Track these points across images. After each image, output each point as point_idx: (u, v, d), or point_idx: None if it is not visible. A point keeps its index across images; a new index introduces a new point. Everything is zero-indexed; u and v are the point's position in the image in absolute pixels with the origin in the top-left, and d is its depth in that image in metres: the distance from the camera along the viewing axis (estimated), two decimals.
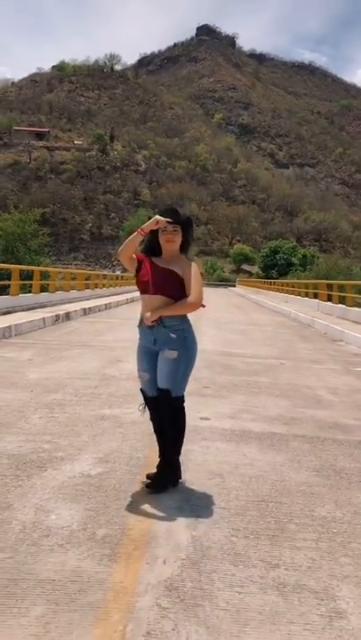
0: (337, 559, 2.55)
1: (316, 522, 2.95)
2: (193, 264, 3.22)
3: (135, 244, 3.22)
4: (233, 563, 2.46)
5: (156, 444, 3.40)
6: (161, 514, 2.94)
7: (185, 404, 3.31)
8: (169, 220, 3.14)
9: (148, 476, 3.32)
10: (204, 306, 3.23)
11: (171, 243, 3.17)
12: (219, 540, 2.68)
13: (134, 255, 3.27)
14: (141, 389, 3.39)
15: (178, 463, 3.33)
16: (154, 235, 3.21)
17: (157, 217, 3.13)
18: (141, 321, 3.26)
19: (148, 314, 3.15)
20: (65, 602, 2.11)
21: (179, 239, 3.20)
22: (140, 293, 3.25)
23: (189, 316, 3.28)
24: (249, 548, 2.61)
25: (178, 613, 2.08)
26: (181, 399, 3.26)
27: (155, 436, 3.42)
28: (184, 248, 3.26)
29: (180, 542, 2.63)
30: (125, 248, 3.23)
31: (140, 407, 3.44)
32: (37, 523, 2.77)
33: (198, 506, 3.06)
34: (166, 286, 3.14)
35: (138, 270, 3.25)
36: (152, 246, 3.25)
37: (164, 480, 3.27)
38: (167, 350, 3.15)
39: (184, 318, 3.23)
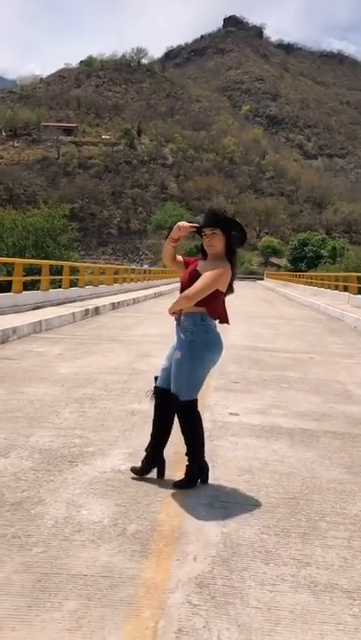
0: None
1: (348, 520, 2.92)
2: (218, 266, 3.08)
3: (169, 251, 3.29)
4: (264, 561, 2.45)
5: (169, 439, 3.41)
6: (191, 510, 2.94)
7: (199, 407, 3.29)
8: (195, 225, 3.11)
9: (132, 470, 3.37)
10: (228, 322, 3.28)
11: (210, 247, 3.13)
12: (249, 537, 2.67)
13: (179, 258, 3.34)
14: (155, 377, 3.41)
15: (203, 464, 3.30)
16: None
17: (180, 223, 3.13)
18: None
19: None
20: (97, 597, 2.13)
21: (218, 242, 3.11)
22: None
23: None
24: (280, 545, 2.60)
25: (209, 611, 2.08)
26: (190, 403, 3.19)
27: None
28: (229, 254, 3.16)
29: (211, 539, 2.64)
30: (164, 255, 3.36)
31: (148, 393, 3.45)
32: (69, 518, 2.80)
33: (228, 502, 3.06)
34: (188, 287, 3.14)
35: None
36: (202, 249, 3.22)
37: (192, 478, 3.26)
38: (176, 350, 3.18)
39: (198, 322, 3.13)
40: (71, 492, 3.11)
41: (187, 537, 2.65)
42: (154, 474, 3.39)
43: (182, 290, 3.16)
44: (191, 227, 3.12)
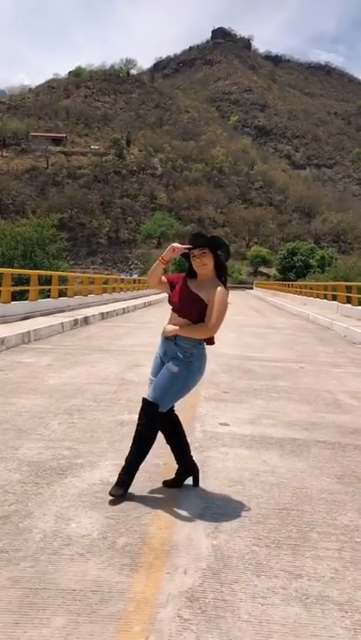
0: None
1: (339, 530, 2.90)
2: (220, 290, 3.14)
3: (158, 272, 3.31)
4: (255, 573, 2.43)
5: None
6: (181, 522, 2.92)
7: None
8: (188, 246, 3.14)
9: (164, 483, 3.40)
10: (213, 342, 3.31)
11: (201, 266, 3.16)
12: (240, 549, 2.65)
13: (163, 278, 3.36)
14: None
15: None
16: (190, 264, 3.23)
17: (174, 244, 3.18)
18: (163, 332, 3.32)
19: (170, 327, 3.20)
20: (86, 612, 2.10)
21: (209, 262, 3.16)
22: (171, 310, 3.31)
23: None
24: (271, 557, 2.58)
25: (200, 625, 2.05)
26: (162, 415, 3.25)
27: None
28: (219, 271, 3.22)
29: (201, 552, 2.61)
30: (151, 276, 3.36)
31: None
32: (58, 531, 2.77)
33: (219, 514, 3.04)
34: (190, 310, 3.16)
35: (172, 289, 3.31)
36: (190, 270, 3.26)
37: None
38: (171, 364, 3.19)
39: (197, 345, 3.21)
40: (60, 505, 3.08)
41: (177, 550, 2.62)
42: (146, 482, 3.37)
43: (178, 309, 3.19)
44: (185, 248, 3.15)
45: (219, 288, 3.15)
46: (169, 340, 3.23)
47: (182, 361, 3.17)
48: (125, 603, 2.17)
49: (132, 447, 3.26)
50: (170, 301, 3.29)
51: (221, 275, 3.22)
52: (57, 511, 3.00)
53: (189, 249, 3.15)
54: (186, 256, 3.23)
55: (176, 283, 3.30)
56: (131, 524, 2.87)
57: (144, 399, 3.25)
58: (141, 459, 3.25)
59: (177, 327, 3.17)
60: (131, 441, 3.29)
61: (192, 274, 3.26)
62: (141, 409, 3.24)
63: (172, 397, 3.23)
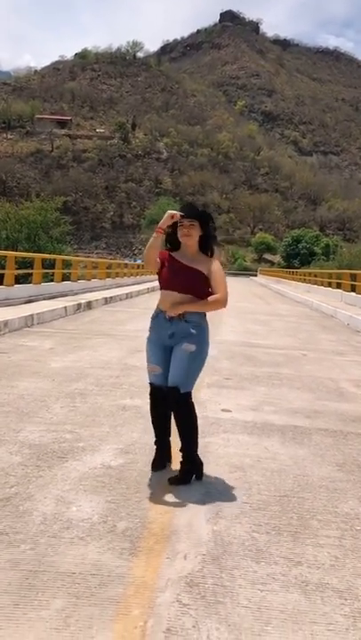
0: None
1: (340, 518, 2.90)
2: (215, 261, 3.22)
3: (158, 245, 3.22)
4: (255, 559, 2.43)
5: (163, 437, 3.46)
6: (182, 507, 2.92)
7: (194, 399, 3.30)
8: (183, 214, 3.12)
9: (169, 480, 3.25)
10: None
11: (187, 237, 3.16)
12: (240, 535, 2.65)
13: (157, 259, 3.27)
14: (151, 383, 3.36)
15: (198, 458, 3.31)
16: (174, 230, 3.22)
17: (171, 211, 3.14)
18: (158, 313, 3.27)
19: (176, 306, 3.15)
20: (85, 596, 2.10)
21: (196, 234, 3.17)
22: (162, 289, 3.25)
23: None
24: (271, 544, 2.58)
25: (198, 610, 2.05)
26: (190, 394, 3.23)
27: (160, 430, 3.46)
28: (204, 244, 3.24)
29: (201, 537, 2.61)
30: (149, 252, 3.23)
31: None
32: (58, 514, 2.77)
33: (220, 500, 3.03)
34: (194, 286, 3.14)
35: (161, 267, 3.25)
36: (171, 240, 3.26)
37: (187, 474, 3.24)
38: (186, 343, 3.14)
39: (203, 316, 3.24)
40: (61, 489, 3.08)
41: (177, 535, 2.62)
42: (148, 467, 3.37)
43: (178, 285, 3.15)
44: (182, 215, 3.12)
45: (214, 260, 3.22)
46: (176, 319, 3.17)
47: (196, 336, 3.16)
48: (125, 587, 2.17)
49: (194, 437, 3.26)
50: (164, 279, 3.23)
51: (208, 247, 3.25)
52: (58, 494, 3.00)
53: (182, 217, 3.13)
54: (172, 226, 3.21)
55: (164, 260, 3.25)
56: (131, 509, 2.87)
57: (173, 390, 3.16)
58: (196, 440, 3.29)
59: (184, 304, 3.14)
60: (133, 425, 3.28)
61: (174, 245, 3.26)
62: (175, 401, 3.19)
63: (195, 376, 3.24)
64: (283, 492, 3.20)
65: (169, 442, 3.44)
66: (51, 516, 2.74)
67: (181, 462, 3.25)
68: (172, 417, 3.34)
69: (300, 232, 79.59)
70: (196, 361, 3.19)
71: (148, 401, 3.43)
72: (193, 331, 3.15)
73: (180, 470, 3.25)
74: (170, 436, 3.43)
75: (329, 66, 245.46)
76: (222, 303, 3.16)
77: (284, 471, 3.52)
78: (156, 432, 3.44)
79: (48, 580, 2.20)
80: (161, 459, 3.40)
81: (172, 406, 3.24)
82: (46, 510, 2.80)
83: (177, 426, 3.27)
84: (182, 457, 3.25)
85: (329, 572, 2.36)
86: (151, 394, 3.39)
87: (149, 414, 3.47)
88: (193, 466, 3.26)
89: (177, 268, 3.17)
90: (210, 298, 3.16)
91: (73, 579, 2.21)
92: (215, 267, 3.20)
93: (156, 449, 3.44)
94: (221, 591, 2.18)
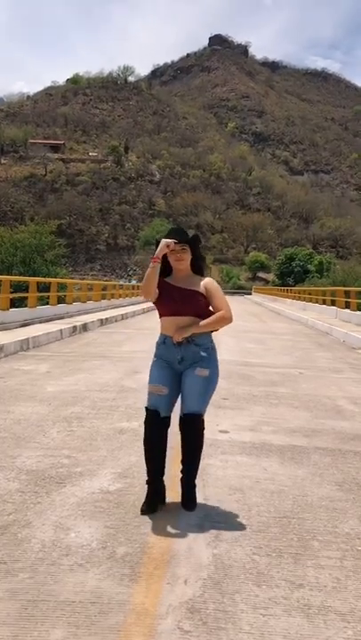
0: None
1: (340, 539, 2.88)
2: (211, 279, 3.24)
3: (156, 274, 3.10)
4: (256, 583, 2.41)
5: (158, 462, 3.22)
6: (181, 531, 2.89)
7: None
8: (175, 240, 3.11)
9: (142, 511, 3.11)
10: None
11: (181, 261, 3.16)
12: (241, 558, 2.63)
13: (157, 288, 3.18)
14: (148, 408, 3.18)
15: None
16: (164, 256, 3.17)
17: (165, 240, 3.10)
18: (164, 339, 3.20)
19: (180, 330, 3.10)
20: (85, 625, 2.07)
21: (188, 257, 3.18)
22: (163, 316, 3.21)
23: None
24: (272, 567, 2.56)
25: (200, 637, 2.03)
26: (203, 419, 3.22)
27: (150, 457, 3.21)
28: (195, 266, 3.24)
29: (202, 561, 2.59)
30: (150, 283, 3.11)
31: None
32: (57, 541, 2.74)
33: (219, 523, 3.01)
34: (193, 306, 3.12)
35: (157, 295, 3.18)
36: (163, 267, 3.17)
37: (194, 494, 3.22)
38: (199, 368, 3.11)
39: (210, 338, 3.22)
40: (59, 515, 3.05)
41: (177, 559, 2.60)
42: (143, 491, 3.34)
43: (180, 309, 3.10)
44: (176, 243, 3.11)
45: (208, 278, 3.24)
46: (184, 343, 3.12)
47: (208, 360, 3.14)
48: (125, 614, 2.15)
49: (199, 463, 3.24)
50: (164, 306, 3.17)
51: (199, 268, 3.25)
52: (56, 521, 2.97)
53: (176, 243, 3.11)
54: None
55: (158, 288, 3.16)
56: (130, 534, 2.85)
57: (190, 416, 3.13)
58: None
59: (189, 327, 3.09)
60: (130, 449, 3.25)
61: (164, 271, 3.19)
62: (191, 426, 3.15)
63: (209, 400, 3.23)
64: (282, 513, 3.18)
65: (163, 483, 3.24)
66: (49, 543, 2.71)
67: (187, 487, 3.21)
68: (165, 443, 3.20)
69: (293, 250, 79.98)
70: (211, 385, 3.18)
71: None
72: (204, 354, 3.13)
73: (189, 492, 3.21)
74: (164, 475, 3.23)
75: (317, 86, 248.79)
76: (228, 319, 3.14)
77: (283, 492, 3.51)
78: (149, 468, 3.19)
79: (47, 609, 2.17)
80: (154, 502, 3.16)
81: (189, 434, 3.17)
82: (45, 537, 2.78)
83: (187, 452, 3.18)
84: (187, 483, 3.21)
85: (331, 595, 2.34)
86: (148, 421, 3.18)
87: (143, 443, 3.26)
88: (194, 489, 3.24)
89: (174, 293, 3.14)
90: (215, 315, 3.13)
91: (73, 607, 2.18)
92: (213, 284, 3.21)
93: (149, 490, 3.19)
94: (223, 617, 2.16)
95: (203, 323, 3.10)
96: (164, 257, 3.16)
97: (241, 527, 2.97)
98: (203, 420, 3.20)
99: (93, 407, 5.69)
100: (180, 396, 3.21)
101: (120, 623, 2.09)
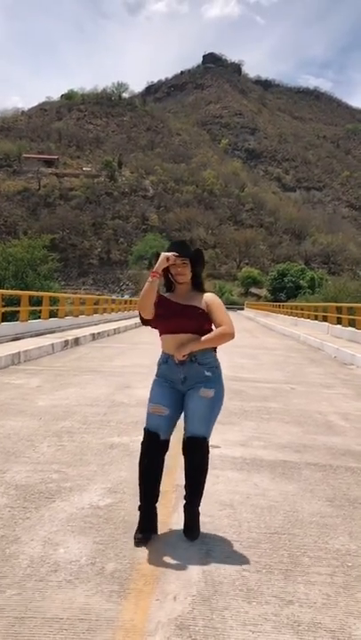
0: (353, 595, 2.47)
1: (331, 555, 2.87)
2: (214, 295, 3.11)
3: (155, 289, 2.98)
4: (246, 599, 2.39)
5: (151, 487, 3.05)
6: (171, 547, 2.87)
7: None
8: (176, 254, 2.98)
9: (137, 542, 2.92)
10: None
11: (181, 276, 3.02)
12: (230, 574, 2.61)
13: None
14: (148, 429, 3.00)
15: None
16: (165, 271, 3.05)
17: (165, 254, 2.97)
18: (166, 359, 3.05)
19: (181, 348, 2.96)
20: None
21: (189, 272, 3.03)
22: (163, 334, 3.06)
23: None
24: (262, 583, 2.54)
25: None
26: (208, 443, 3.06)
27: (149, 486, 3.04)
28: (196, 281, 3.11)
29: (191, 577, 2.57)
30: (147, 299, 2.98)
31: None
32: (45, 557, 2.71)
33: (209, 539, 2.99)
34: (194, 323, 2.98)
35: (155, 312, 3.03)
36: (166, 283, 3.10)
37: (197, 529, 3.05)
38: (203, 389, 2.95)
39: (214, 356, 3.07)
40: (48, 530, 3.03)
41: (167, 575, 2.58)
42: (136, 506, 3.32)
43: (181, 326, 2.97)
44: (177, 256, 2.98)
45: (210, 294, 3.10)
46: (187, 362, 2.97)
47: (214, 379, 2.99)
48: (113, 631, 2.13)
49: (202, 486, 3.07)
50: (163, 323, 3.03)
51: (199, 284, 3.12)
52: (45, 536, 2.95)
53: (178, 256, 2.98)
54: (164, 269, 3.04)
55: (156, 305, 3.01)
56: (120, 550, 2.82)
57: (197, 439, 2.96)
58: None
59: (191, 344, 2.95)
60: (121, 464, 3.22)
61: (168, 286, 3.12)
62: (195, 450, 2.98)
63: (214, 422, 3.04)
64: (273, 529, 3.17)
65: (156, 510, 3.06)
66: (38, 559, 2.68)
67: (191, 514, 3.06)
68: (162, 467, 3.05)
69: (285, 266, 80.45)
70: (216, 406, 3.00)
71: (137, 438, 3.32)
72: (208, 373, 2.98)
73: (192, 520, 3.05)
74: (157, 502, 3.07)
75: (310, 105, 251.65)
76: (230, 335, 3.00)
77: (274, 507, 3.49)
78: (143, 493, 3.02)
79: (35, 626, 2.15)
80: (147, 530, 2.97)
81: (193, 459, 3.00)
82: (33, 553, 2.75)
83: (191, 477, 3.03)
84: (191, 510, 3.06)
85: (321, 611, 2.33)
86: (146, 444, 3.01)
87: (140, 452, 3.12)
88: (198, 516, 3.10)
89: (174, 309, 2.99)
90: (216, 330, 3.00)
91: (60, 624, 2.16)
92: (215, 300, 3.06)
93: (142, 517, 3.00)
94: (212, 633, 2.14)
95: (204, 338, 2.97)
96: (167, 272, 3.06)
97: (231, 543, 2.96)
98: (208, 444, 3.02)
99: (84, 422, 5.66)
100: (181, 418, 3.06)
101: None
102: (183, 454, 3.05)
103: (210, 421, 3.00)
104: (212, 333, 3.00)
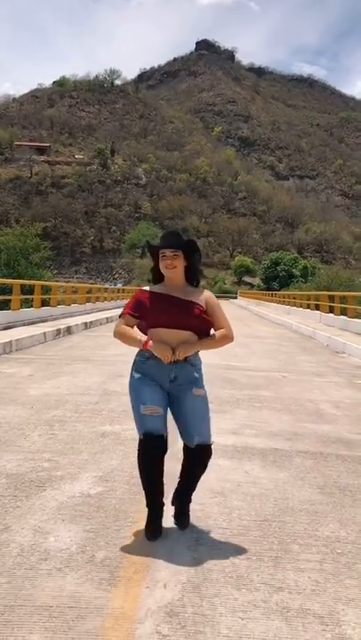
0: (342, 581, 2.49)
1: (320, 542, 2.89)
2: (211, 294, 2.97)
3: (134, 341, 2.86)
4: (235, 586, 2.40)
5: (152, 493, 2.92)
6: (162, 535, 2.87)
7: None
8: (164, 246, 2.82)
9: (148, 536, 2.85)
10: None
11: (171, 269, 2.81)
12: (220, 562, 2.62)
13: (133, 321, 2.91)
14: (148, 433, 2.79)
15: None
16: (156, 263, 2.89)
17: (143, 338, 2.86)
18: (147, 359, 2.86)
19: (179, 348, 2.78)
20: (62, 630, 2.05)
21: (180, 265, 2.81)
22: (155, 327, 2.83)
23: None
24: (252, 570, 2.55)
25: None
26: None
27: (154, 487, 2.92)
28: (191, 276, 2.92)
29: (181, 565, 2.57)
30: (127, 343, 2.90)
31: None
32: (35, 545, 2.71)
33: (200, 526, 3.00)
34: (194, 319, 2.81)
35: (145, 308, 2.85)
36: (155, 275, 2.94)
37: (187, 515, 3.04)
38: (195, 388, 2.85)
39: (199, 357, 2.97)
40: (38, 519, 3.02)
41: (157, 563, 2.58)
42: (127, 495, 3.32)
43: (179, 322, 2.78)
44: (167, 247, 2.80)
45: (209, 292, 2.96)
46: (178, 362, 2.81)
47: (200, 380, 2.90)
48: (103, 619, 2.13)
49: (197, 483, 3.01)
50: (153, 318, 2.82)
51: (194, 278, 2.93)
52: (35, 525, 2.95)
53: (161, 247, 2.82)
54: (154, 255, 2.89)
55: (145, 304, 2.85)
56: (110, 538, 2.83)
57: (207, 448, 2.86)
58: None
59: (194, 344, 2.83)
60: (112, 452, 3.21)
61: (156, 278, 2.94)
62: (203, 458, 2.88)
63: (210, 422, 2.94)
64: (263, 516, 3.18)
65: (163, 501, 2.95)
66: (28, 548, 2.68)
67: (183, 499, 3.03)
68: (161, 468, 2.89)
69: (278, 255, 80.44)
70: (207, 404, 2.93)
71: (128, 427, 3.30)
72: (196, 375, 2.88)
73: (184, 509, 3.03)
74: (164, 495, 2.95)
75: (303, 93, 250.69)
76: (230, 339, 2.91)
77: (264, 495, 3.51)
78: (148, 491, 2.89)
79: (25, 614, 2.15)
80: (158, 524, 2.89)
81: (198, 465, 2.92)
82: (23, 541, 2.75)
83: (191, 477, 2.97)
84: (184, 494, 3.02)
85: (310, 598, 2.34)
86: (148, 448, 2.80)
87: (131, 440, 3.13)
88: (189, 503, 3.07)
89: (176, 303, 2.80)
90: (217, 333, 2.88)
91: (50, 612, 2.16)
92: (214, 300, 2.92)
93: (151, 512, 2.89)
94: (202, 620, 2.15)
95: (205, 341, 2.85)
96: (156, 265, 2.89)
97: (221, 531, 2.97)
98: (210, 448, 2.90)
99: (76, 410, 5.65)
100: (170, 420, 2.91)
101: (98, 628, 2.07)
102: (187, 461, 2.94)
103: (210, 422, 2.91)
104: (214, 337, 2.89)
